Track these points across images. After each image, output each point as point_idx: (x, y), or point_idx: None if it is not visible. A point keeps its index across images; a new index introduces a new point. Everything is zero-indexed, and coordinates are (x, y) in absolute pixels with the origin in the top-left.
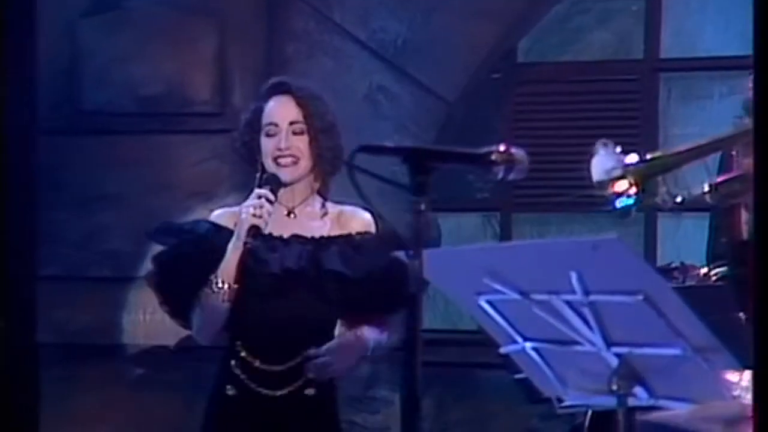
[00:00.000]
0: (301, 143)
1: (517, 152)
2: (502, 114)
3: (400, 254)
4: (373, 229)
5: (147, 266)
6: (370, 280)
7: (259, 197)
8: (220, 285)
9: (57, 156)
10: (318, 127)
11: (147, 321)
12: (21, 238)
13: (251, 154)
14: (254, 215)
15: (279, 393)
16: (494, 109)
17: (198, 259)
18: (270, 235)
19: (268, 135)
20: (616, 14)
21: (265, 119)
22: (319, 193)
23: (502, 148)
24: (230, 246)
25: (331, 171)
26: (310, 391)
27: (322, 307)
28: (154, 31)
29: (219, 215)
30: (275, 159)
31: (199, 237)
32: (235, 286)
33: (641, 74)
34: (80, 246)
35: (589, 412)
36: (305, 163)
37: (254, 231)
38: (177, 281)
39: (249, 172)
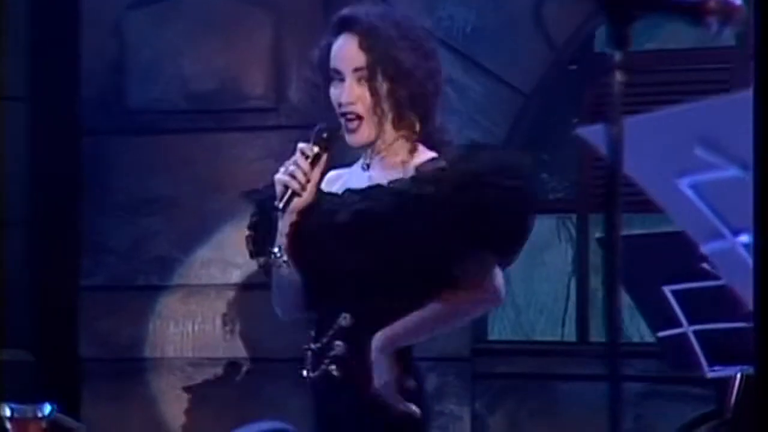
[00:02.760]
0: (365, 94)
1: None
2: (580, 107)
3: (588, 130)
4: (441, 164)
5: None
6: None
7: (302, 153)
8: (277, 254)
9: (102, 157)
10: (389, 74)
11: (197, 332)
12: (63, 245)
13: (327, 100)
14: (290, 175)
15: (315, 373)
16: (572, 102)
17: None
18: (346, 191)
19: (333, 82)
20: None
21: (331, 64)
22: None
23: None
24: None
25: (423, 119)
26: (333, 370)
27: (366, 273)
28: (206, 23)
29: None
30: (341, 113)
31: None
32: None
33: (734, 62)
34: (127, 253)
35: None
36: (370, 123)
37: (284, 193)
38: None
39: None
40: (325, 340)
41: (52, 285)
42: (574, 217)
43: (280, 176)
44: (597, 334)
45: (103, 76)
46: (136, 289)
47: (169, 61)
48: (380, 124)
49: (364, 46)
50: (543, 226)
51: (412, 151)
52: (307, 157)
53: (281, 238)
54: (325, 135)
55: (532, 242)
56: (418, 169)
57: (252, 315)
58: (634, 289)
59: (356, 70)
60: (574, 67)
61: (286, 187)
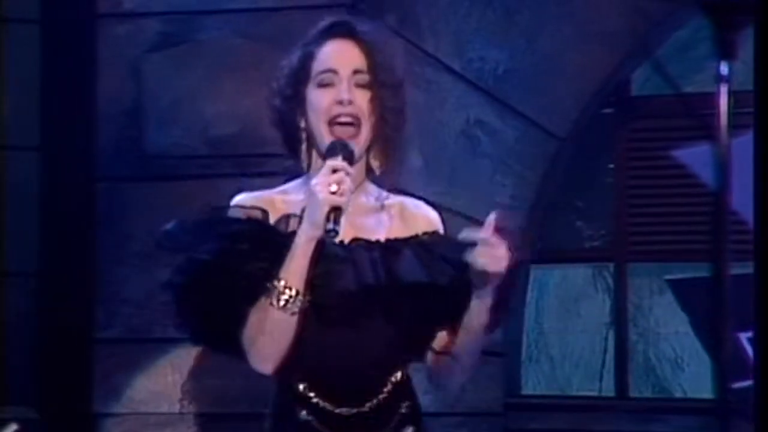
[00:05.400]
0: (364, 100)
1: None
2: (615, 152)
3: (689, 153)
4: (440, 229)
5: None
6: (456, 288)
7: (335, 171)
8: (288, 293)
9: (118, 204)
10: (384, 81)
11: (217, 386)
12: (77, 296)
13: (293, 115)
14: (333, 193)
15: None
16: (606, 147)
17: (255, 260)
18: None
19: (322, 85)
20: (746, 40)
21: (318, 66)
22: (380, 173)
23: None
24: (299, 239)
25: (393, 142)
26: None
27: (408, 327)
28: (227, 66)
29: (247, 200)
30: (333, 117)
31: (254, 229)
32: (307, 292)
33: None
34: (143, 304)
35: None
36: (366, 131)
37: (335, 214)
38: (216, 294)
39: None
40: (376, 401)
41: (65, 338)
42: (611, 266)
43: (330, 197)
44: (636, 389)
45: (120, 121)
46: (152, 341)
47: (189, 105)
48: (373, 136)
49: (365, 49)
50: (578, 275)
51: (380, 193)
52: (348, 175)
53: (297, 278)
54: (350, 148)
55: (568, 293)
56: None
57: None
58: (705, 336)
59: (356, 72)
60: (610, 110)
61: (336, 209)
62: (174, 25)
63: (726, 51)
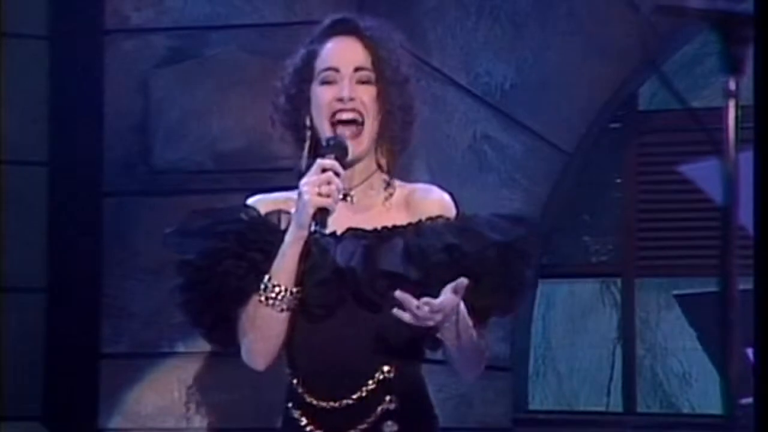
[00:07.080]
0: (367, 96)
1: None
2: (623, 167)
3: (695, 168)
4: (451, 214)
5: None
6: (442, 278)
7: (324, 170)
8: (277, 290)
9: (125, 219)
10: (389, 78)
11: (225, 402)
12: (84, 311)
13: (297, 114)
14: (320, 194)
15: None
16: (614, 162)
17: (242, 258)
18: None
19: (324, 82)
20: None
21: (320, 64)
22: (386, 171)
23: None
24: (288, 237)
25: (401, 140)
26: (391, 428)
27: (385, 320)
28: (234, 81)
29: (258, 202)
30: (333, 114)
31: (242, 228)
32: (296, 290)
33: None
34: (150, 319)
35: None
36: (371, 127)
37: (321, 215)
38: (215, 293)
39: None
40: (358, 395)
41: (72, 353)
42: (618, 281)
43: (316, 198)
44: (644, 404)
45: (128, 136)
46: (159, 356)
47: (197, 120)
48: (379, 131)
49: (368, 46)
50: (585, 290)
51: (389, 183)
52: (338, 175)
53: (286, 276)
54: (345, 145)
55: (575, 308)
56: (424, 218)
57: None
58: (713, 351)
59: (357, 69)
60: (617, 125)
61: (322, 210)
62: (181, 40)
63: (733, 66)
